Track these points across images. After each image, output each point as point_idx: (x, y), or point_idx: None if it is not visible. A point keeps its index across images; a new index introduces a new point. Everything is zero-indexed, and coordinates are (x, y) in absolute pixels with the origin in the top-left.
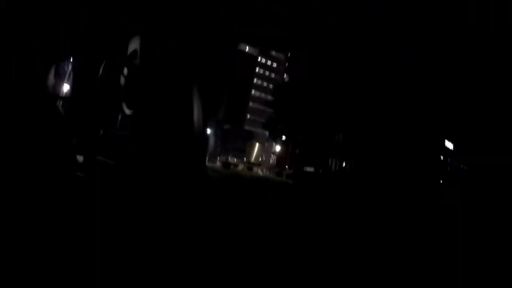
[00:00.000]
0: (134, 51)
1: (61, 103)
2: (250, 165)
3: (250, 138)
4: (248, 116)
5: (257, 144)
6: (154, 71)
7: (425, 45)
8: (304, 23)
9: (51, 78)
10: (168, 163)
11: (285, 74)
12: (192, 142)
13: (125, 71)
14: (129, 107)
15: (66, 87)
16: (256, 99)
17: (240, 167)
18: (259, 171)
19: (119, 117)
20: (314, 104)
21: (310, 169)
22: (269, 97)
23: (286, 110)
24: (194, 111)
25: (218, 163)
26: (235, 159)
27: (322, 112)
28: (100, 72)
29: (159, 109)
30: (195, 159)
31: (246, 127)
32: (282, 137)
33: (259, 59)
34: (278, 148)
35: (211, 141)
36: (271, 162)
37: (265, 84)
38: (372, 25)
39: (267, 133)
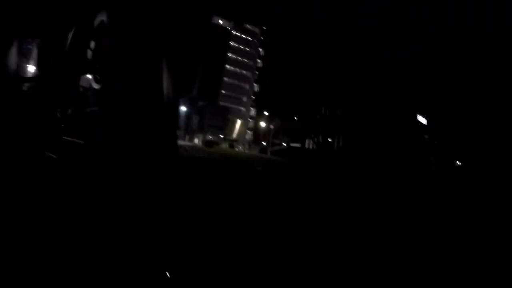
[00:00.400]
0: (101, 23)
1: (27, 84)
2: (231, 143)
3: (226, 114)
4: (223, 91)
5: (238, 121)
6: (122, 44)
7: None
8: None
9: (12, 57)
10: (138, 141)
11: (260, 48)
12: (162, 118)
13: (92, 44)
14: (96, 82)
15: (30, 66)
16: (231, 74)
17: (222, 145)
18: (238, 148)
19: (88, 92)
20: (302, 80)
21: (296, 144)
22: (244, 72)
23: (273, 85)
24: (163, 86)
25: (196, 141)
26: (211, 137)
27: (310, 88)
28: (67, 46)
29: (127, 84)
30: (166, 136)
31: (221, 103)
32: (264, 113)
33: (233, 33)
34: (262, 124)
35: (193, 119)
36: (247, 138)
37: (239, 58)
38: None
39: (242, 108)
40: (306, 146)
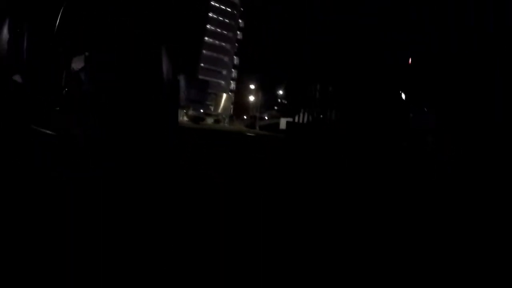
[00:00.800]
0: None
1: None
2: (217, 118)
3: (205, 89)
4: (202, 65)
5: (224, 95)
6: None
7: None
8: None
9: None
10: (139, 123)
11: (240, 20)
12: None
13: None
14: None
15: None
16: (210, 47)
17: (209, 120)
18: (224, 123)
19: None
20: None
21: (288, 119)
22: (224, 44)
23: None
24: (164, 75)
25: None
26: (194, 112)
27: (302, 62)
28: (56, 26)
29: (127, 77)
30: (165, 120)
31: (200, 77)
32: (250, 86)
33: (212, 3)
34: (251, 98)
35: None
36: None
37: (218, 30)
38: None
39: (222, 82)
40: (299, 120)
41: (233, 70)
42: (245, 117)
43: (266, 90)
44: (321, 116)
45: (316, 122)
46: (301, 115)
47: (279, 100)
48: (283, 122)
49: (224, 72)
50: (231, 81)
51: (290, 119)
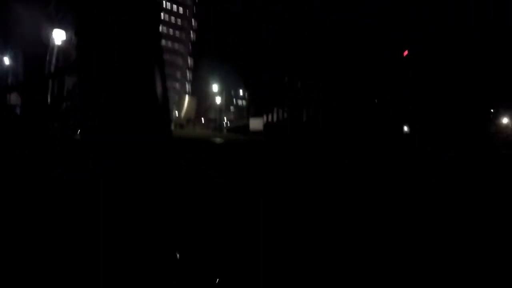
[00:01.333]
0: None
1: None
2: (181, 123)
3: None
4: None
5: (187, 98)
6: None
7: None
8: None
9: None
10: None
11: (193, 20)
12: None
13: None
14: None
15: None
16: (163, 49)
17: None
18: (188, 128)
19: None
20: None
21: (257, 119)
22: (177, 46)
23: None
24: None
25: None
26: None
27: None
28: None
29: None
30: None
31: None
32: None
33: (163, 5)
34: (212, 100)
35: None
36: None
37: (171, 32)
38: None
39: (177, 84)
40: (269, 120)
41: (187, 71)
42: (203, 120)
43: (221, 92)
44: (301, 113)
45: (297, 120)
46: (275, 113)
47: (234, 101)
48: (254, 123)
49: (178, 74)
50: (186, 83)
51: (259, 119)
